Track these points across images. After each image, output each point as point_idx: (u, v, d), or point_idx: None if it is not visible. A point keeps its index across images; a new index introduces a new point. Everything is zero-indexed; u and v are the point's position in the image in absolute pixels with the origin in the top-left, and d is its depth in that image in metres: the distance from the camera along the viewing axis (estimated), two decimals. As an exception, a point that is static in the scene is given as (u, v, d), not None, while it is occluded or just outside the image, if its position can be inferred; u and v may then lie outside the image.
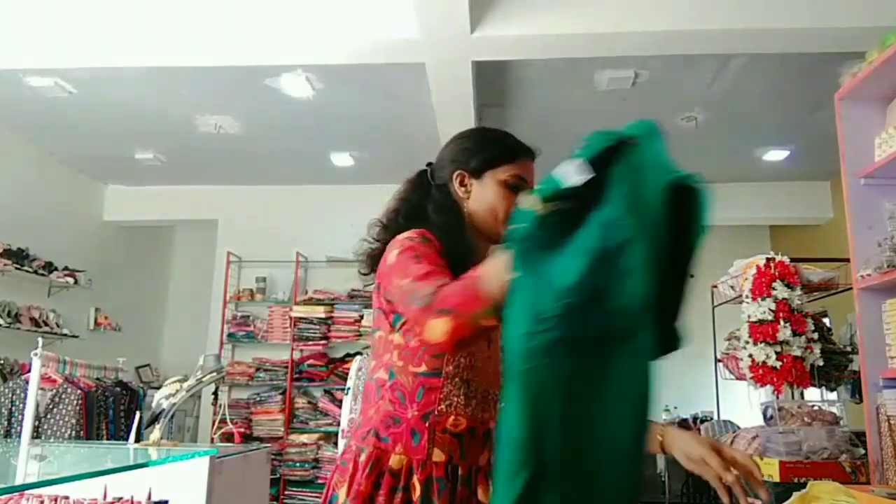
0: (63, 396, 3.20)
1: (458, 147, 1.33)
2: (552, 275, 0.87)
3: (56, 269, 5.65)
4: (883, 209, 2.49)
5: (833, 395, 3.77)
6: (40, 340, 2.80)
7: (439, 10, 3.29)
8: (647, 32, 3.51)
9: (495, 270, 0.97)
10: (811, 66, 4.13)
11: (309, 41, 3.68)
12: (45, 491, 1.73)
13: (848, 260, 2.69)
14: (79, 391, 3.22)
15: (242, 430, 5.58)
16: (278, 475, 5.60)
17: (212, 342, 6.17)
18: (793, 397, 3.44)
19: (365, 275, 1.32)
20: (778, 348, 3.19)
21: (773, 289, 3.28)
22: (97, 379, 3.41)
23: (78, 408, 3.19)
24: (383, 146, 5.50)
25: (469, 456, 1.19)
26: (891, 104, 2.58)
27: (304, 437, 5.76)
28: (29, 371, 2.82)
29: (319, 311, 5.97)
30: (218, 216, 6.66)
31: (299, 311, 6.00)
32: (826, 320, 4.43)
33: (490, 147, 1.30)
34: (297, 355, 6.04)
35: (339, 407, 4.75)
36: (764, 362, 3.20)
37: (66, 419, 3.18)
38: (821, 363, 3.23)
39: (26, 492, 1.70)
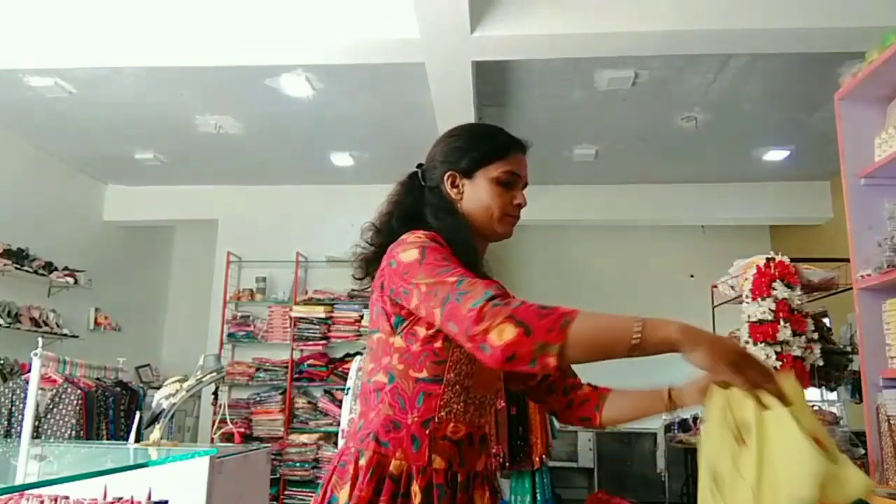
0: (63, 396, 3.20)
1: (447, 147, 1.31)
2: None
3: (56, 269, 5.65)
4: (883, 209, 2.49)
5: (833, 395, 3.77)
6: (40, 340, 2.80)
7: (439, 10, 3.29)
8: (647, 32, 3.51)
9: (592, 318, 0.97)
10: (811, 66, 4.13)
11: (309, 41, 3.68)
12: (45, 491, 1.73)
13: (848, 260, 2.68)
14: (79, 391, 3.22)
15: (242, 430, 5.58)
16: (278, 475, 5.60)
17: (212, 342, 6.17)
18: (793, 397, 3.44)
19: (359, 279, 1.30)
20: (778, 348, 3.19)
21: (773, 289, 3.28)
22: (97, 379, 3.41)
23: (78, 408, 3.19)
24: (383, 146, 5.50)
25: (467, 462, 1.19)
26: (891, 104, 2.58)
27: (304, 437, 5.76)
28: (29, 371, 2.82)
29: (319, 311, 5.97)
30: (218, 216, 6.66)
31: (299, 311, 6.00)
32: (826, 320, 4.42)
33: (480, 145, 1.27)
34: (297, 355, 6.04)
35: (339, 407, 4.75)
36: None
37: (66, 419, 3.17)
38: (821, 363, 3.23)
39: (26, 492, 1.70)
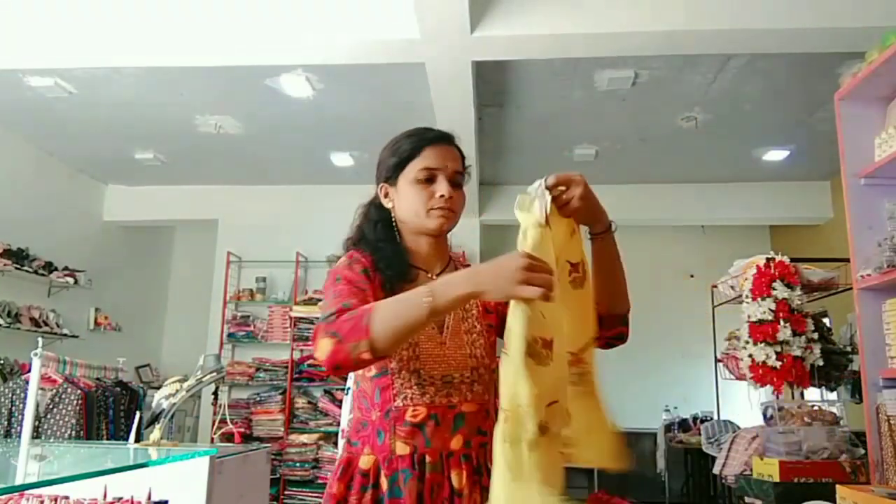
0: (63, 396, 3.20)
1: (378, 162, 1.38)
2: None
3: (56, 269, 5.65)
4: (883, 209, 2.49)
5: (833, 395, 3.77)
6: (40, 340, 2.80)
7: (439, 10, 3.29)
8: (647, 32, 3.50)
9: (385, 307, 1.06)
10: (811, 66, 4.13)
11: (309, 41, 3.68)
12: (45, 491, 1.73)
13: (848, 260, 2.68)
14: (79, 391, 3.22)
15: (242, 430, 5.58)
16: (278, 475, 5.60)
17: (212, 342, 6.17)
18: (793, 397, 3.45)
19: None
20: (778, 348, 3.19)
21: (773, 289, 3.28)
22: (97, 379, 3.41)
23: (78, 408, 3.19)
24: (383, 146, 5.49)
25: (435, 443, 1.21)
26: (891, 104, 2.58)
27: (304, 437, 5.76)
28: (29, 371, 2.82)
29: (319, 312, 5.96)
30: (218, 216, 6.66)
31: (299, 311, 6.00)
32: (826, 320, 4.43)
33: (395, 152, 1.33)
34: (297, 355, 6.04)
35: (339, 407, 4.75)
36: (764, 362, 3.20)
37: (66, 419, 3.17)
38: (821, 363, 3.23)
39: (26, 492, 1.69)
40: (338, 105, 4.82)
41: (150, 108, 4.92)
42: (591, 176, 1.16)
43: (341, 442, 3.87)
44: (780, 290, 3.26)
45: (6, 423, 3.23)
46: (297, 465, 5.64)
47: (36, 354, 2.61)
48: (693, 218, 6.93)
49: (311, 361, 5.98)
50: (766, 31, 3.47)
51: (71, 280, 5.73)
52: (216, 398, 5.65)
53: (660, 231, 7.58)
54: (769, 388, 3.25)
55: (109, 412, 3.41)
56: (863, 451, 2.81)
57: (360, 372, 1.25)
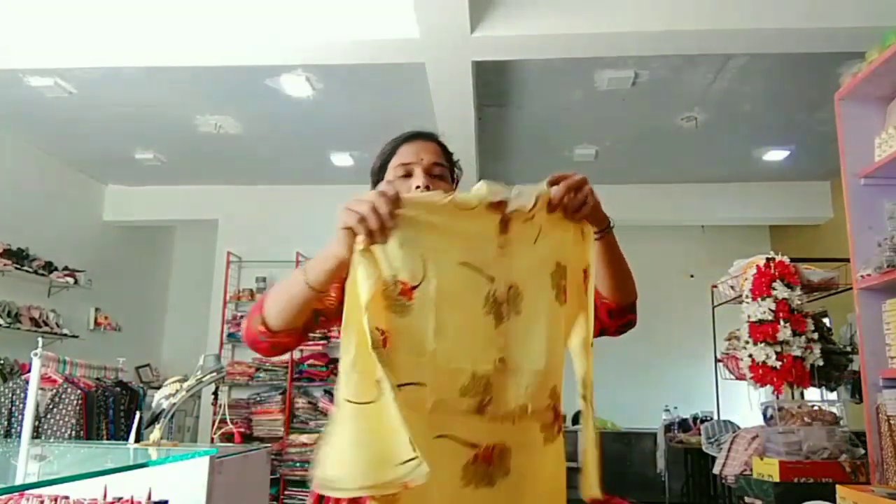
0: (63, 396, 3.19)
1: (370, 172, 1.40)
2: None
3: (56, 269, 5.65)
4: (883, 209, 2.49)
5: (833, 395, 3.77)
6: (40, 340, 2.80)
7: (439, 10, 3.29)
8: (647, 32, 3.51)
9: (277, 286, 1.13)
10: (811, 66, 4.13)
11: (309, 41, 3.68)
12: (45, 491, 1.73)
13: (848, 260, 2.68)
14: (79, 391, 3.22)
15: (242, 430, 5.58)
16: (278, 475, 5.60)
17: (212, 342, 6.17)
18: (793, 397, 3.45)
19: None
20: (778, 348, 3.19)
21: (773, 289, 3.28)
22: (97, 379, 3.41)
23: (78, 408, 3.19)
24: (383, 146, 5.49)
25: None
26: (891, 104, 2.58)
27: (304, 437, 5.76)
28: (29, 371, 2.82)
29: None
30: (218, 216, 6.66)
31: (299, 311, 5.99)
32: (826, 320, 4.43)
33: (377, 159, 1.35)
34: (297, 355, 6.03)
35: (339, 407, 4.73)
36: (764, 362, 3.20)
37: (66, 419, 3.17)
38: (821, 363, 3.23)
39: (26, 492, 1.69)
40: (338, 105, 4.82)
41: (150, 108, 4.92)
42: (591, 176, 1.15)
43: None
44: (780, 290, 3.26)
45: (6, 423, 3.22)
46: (297, 465, 5.64)
47: (36, 354, 2.61)
48: (693, 218, 6.93)
49: (311, 362, 5.99)
50: (766, 31, 3.48)
51: (71, 280, 5.73)
52: (216, 398, 5.65)
53: (660, 231, 7.58)
54: (769, 388, 3.25)
55: (109, 412, 3.41)
56: (863, 451, 2.81)
57: None
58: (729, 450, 3.49)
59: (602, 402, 1.34)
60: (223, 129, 5.24)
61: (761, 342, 3.22)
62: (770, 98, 4.67)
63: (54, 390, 3.20)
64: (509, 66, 4.24)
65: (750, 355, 3.26)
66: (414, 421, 0.88)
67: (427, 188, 1.22)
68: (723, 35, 3.52)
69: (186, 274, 7.75)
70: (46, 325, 5.45)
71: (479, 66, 3.99)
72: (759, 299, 3.29)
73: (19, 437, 2.89)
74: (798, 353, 3.17)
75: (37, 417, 3.00)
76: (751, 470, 3.10)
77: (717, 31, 3.48)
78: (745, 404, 3.59)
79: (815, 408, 3.10)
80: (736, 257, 3.90)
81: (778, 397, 3.30)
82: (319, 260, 1.05)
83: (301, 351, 6.03)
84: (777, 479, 2.80)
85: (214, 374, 2.73)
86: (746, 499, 3.10)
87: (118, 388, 3.53)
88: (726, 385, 4.66)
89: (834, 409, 3.11)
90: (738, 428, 4.09)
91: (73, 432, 3.15)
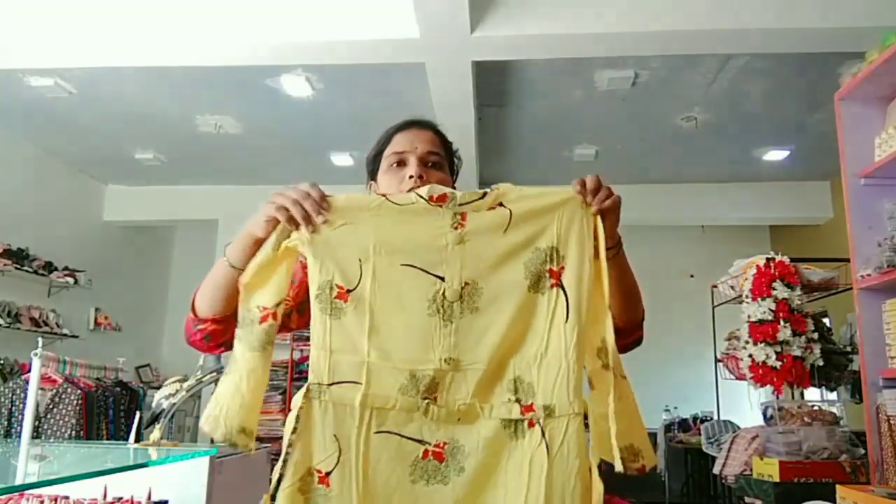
0: (63, 396, 3.19)
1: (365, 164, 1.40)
2: None
3: (56, 269, 5.65)
4: (883, 209, 2.49)
5: (833, 395, 3.77)
6: (40, 340, 2.79)
7: (439, 10, 3.29)
8: (647, 32, 3.51)
9: (207, 275, 1.17)
10: (811, 66, 4.13)
11: (309, 41, 3.68)
12: (45, 491, 1.73)
13: (848, 260, 2.68)
14: (79, 391, 3.22)
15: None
16: (278, 475, 5.59)
17: (212, 342, 6.16)
18: (793, 397, 3.45)
19: None
20: (778, 348, 3.18)
21: (773, 289, 3.28)
22: (97, 379, 3.41)
23: (78, 408, 3.19)
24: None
25: None
26: (891, 104, 2.58)
27: (304, 437, 5.75)
28: (29, 371, 2.82)
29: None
30: (218, 216, 6.66)
31: (299, 311, 5.99)
32: (826, 320, 4.43)
33: (373, 148, 1.33)
34: (296, 355, 6.03)
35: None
36: (764, 362, 3.20)
37: (66, 419, 3.17)
38: (821, 363, 3.22)
39: (26, 492, 1.69)
40: (338, 105, 4.82)
41: (150, 108, 4.92)
42: (591, 176, 1.15)
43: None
44: (780, 290, 3.26)
45: (6, 423, 3.22)
46: (297, 465, 5.63)
47: (36, 354, 2.60)
48: (693, 218, 6.93)
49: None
50: (766, 31, 3.48)
51: (71, 280, 5.73)
52: (216, 398, 5.64)
53: (660, 231, 7.58)
54: (769, 388, 3.25)
55: (109, 412, 3.41)
56: (863, 451, 2.81)
57: None
58: (729, 450, 3.49)
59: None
60: (223, 129, 5.24)
61: (761, 342, 3.21)
62: (770, 98, 4.67)
63: (54, 390, 3.20)
64: (509, 66, 4.24)
65: (750, 355, 3.26)
66: (345, 415, 0.96)
67: (420, 178, 1.19)
68: (723, 35, 3.52)
69: (186, 274, 7.74)
70: (46, 325, 5.45)
71: (479, 66, 3.99)
72: (759, 299, 3.29)
73: (19, 437, 2.89)
74: (798, 353, 3.17)
75: (37, 417, 3.00)
76: (751, 470, 3.10)
77: (717, 31, 3.48)
78: (745, 404, 3.59)
79: (815, 408, 3.10)
80: (736, 257, 3.90)
81: (778, 397, 3.30)
82: (238, 239, 1.11)
83: (301, 351, 6.02)
84: (777, 479, 2.80)
85: (214, 374, 2.73)
86: (746, 499, 3.10)
87: (118, 388, 3.53)
88: (726, 385, 4.66)
89: (834, 409, 3.11)
90: (738, 428, 4.09)
91: (73, 432, 3.14)
